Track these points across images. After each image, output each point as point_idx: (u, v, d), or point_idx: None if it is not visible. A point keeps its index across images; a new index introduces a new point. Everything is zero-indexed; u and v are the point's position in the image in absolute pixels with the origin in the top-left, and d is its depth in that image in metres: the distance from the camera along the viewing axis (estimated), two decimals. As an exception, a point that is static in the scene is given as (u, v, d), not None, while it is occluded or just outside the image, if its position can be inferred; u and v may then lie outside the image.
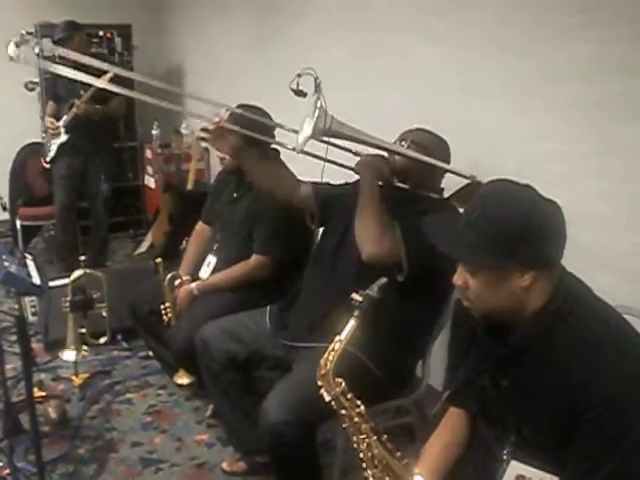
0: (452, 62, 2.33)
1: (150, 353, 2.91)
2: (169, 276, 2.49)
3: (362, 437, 1.23)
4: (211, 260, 2.54)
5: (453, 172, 1.84)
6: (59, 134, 3.74)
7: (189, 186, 4.07)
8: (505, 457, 1.20)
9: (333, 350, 1.26)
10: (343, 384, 1.26)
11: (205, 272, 2.52)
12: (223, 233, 2.54)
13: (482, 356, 1.25)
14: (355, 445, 1.24)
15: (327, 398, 1.25)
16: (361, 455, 1.23)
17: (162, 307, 2.48)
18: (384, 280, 1.30)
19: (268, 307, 2.11)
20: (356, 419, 1.24)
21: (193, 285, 2.45)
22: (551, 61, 1.94)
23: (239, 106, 2.37)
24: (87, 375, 2.80)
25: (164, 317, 2.48)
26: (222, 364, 2.01)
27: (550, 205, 1.14)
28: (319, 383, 1.26)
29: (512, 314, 1.17)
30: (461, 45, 2.29)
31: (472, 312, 1.20)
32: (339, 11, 2.98)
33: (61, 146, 3.78)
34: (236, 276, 2.39)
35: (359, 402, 1.26)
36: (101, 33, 4.57)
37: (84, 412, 2.57)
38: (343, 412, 1.24)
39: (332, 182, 2.07)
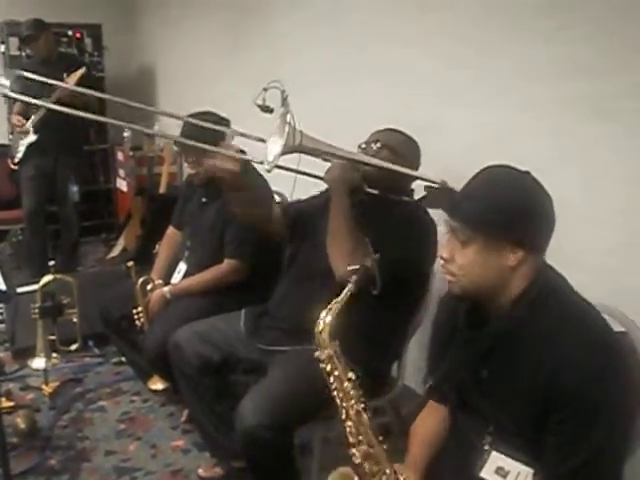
0: (426, 64, 2.34)
1: (123, 359, 2.86)
2: (141, 280, 2.45)
3: (351, 403, 1.23)
4: (182, 267, 2.50)
5: (423, 179, 1.79)
6: (27, 134, 3.64)
7: (162, 189, 4.02)
8: (486, 448, 1.21)
9: (330, 310, 1.27)
10: (338, 347, 1.27)
11: (176, 279, 2.49)
12: (193, 239, 2.51)
13: (462, 348, 1.25)
14: (344, 414, 1.24)
15: (321, 357, 1.26)
16: (349, 426, 1.23)
17: (134, 312, 2.44)
18: (377, 255, 1.38)
19: (243, 311, 2.08)
20: (346, 384, 1.24)
21: (166, 289, 2.41)
22: (524, 63, 1.96)
23: (190, 115, 2.34)
24: (58, 383, 2.73)
25: (136, 322, 2.44)
26: (196, 368, 1.97)
27: (547, 195, 1.17)
28: (315, 339, 1.28)
29: (493, 294, 1.18)
30: (435, 47, 2.31)
31: (453, 288, 1.20)
32: (312, 13, 2.97)
33: (29, 147, 3.67)
34: (208, 280, 2.36)
35: (350, 370, 1.27)
36: (70, 33, 4.48)
37: (55, 422, 2.50)
38: (336, 373, 1.25)
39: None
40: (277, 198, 2.67)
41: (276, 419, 1.62)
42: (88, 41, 4.61)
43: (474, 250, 1.15)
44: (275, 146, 1.56)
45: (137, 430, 2.49)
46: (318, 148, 1.69)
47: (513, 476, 1.18)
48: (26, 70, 3.79)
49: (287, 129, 1.56)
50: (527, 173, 1.18)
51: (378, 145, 1.86)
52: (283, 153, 1.56)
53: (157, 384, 2.64)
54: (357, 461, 1.22)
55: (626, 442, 1.14)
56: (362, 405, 1.23)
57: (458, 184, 1.89)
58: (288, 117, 1.57)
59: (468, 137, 2.19)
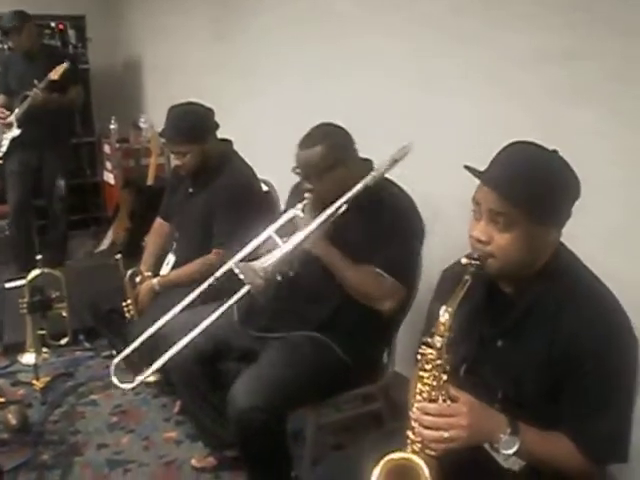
0: (408, 53, 2.34)
1: (114, 352, 2.84)
2: (129, 272, 2.44)
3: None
4: (170, 259, 2.49)
5: (386, 170, 1.72)
6: (11, 127, 3.58)
7: (149, 181, 3.99)
8: None
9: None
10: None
11: (165, 271, 2.47)
12: (181, 231, 2.50)
13: (475, 319, 1.24)
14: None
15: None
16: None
17: (124, 304, 2.42)
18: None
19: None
20: None
21: (154, 281, 2.40)
22: (505, 50, 1.96)
23: (175, 106, 2.32)
24: (48, 378, 2.70)
25: (126, 314, 2.42)
26: (188, 358, 1.96)
27: (574, 173, 1.18)
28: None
29: (526, 268, 1.19)
30: (416, 37, 2.30)
31: (488, 268, 1.17)
32: (297, 5, 2.95)
33: (13, 141, 3.62)
34: (197, 270, 2.34)
35: None
36: (53, 24, 4.41)
37: (46, 416, 2.48)
38: None
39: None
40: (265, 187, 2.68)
41: (268, 401, 1.62)
42: (71, 33, 4.54)
43: (518, 232, 1.14)
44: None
45: (129, 423, 2.48)
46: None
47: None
48: (8, 63, 3.77)
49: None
50: (555, 152, 1.19)
51: (297, 170, 1.81)
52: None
53: (149, 376, 2.63)
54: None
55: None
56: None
57: (443, 172, 1.90)
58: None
59: (451, 126, 2.18)
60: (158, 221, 2.68)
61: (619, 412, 1.14)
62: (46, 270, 2.63)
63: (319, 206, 1.73)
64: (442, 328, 1.13)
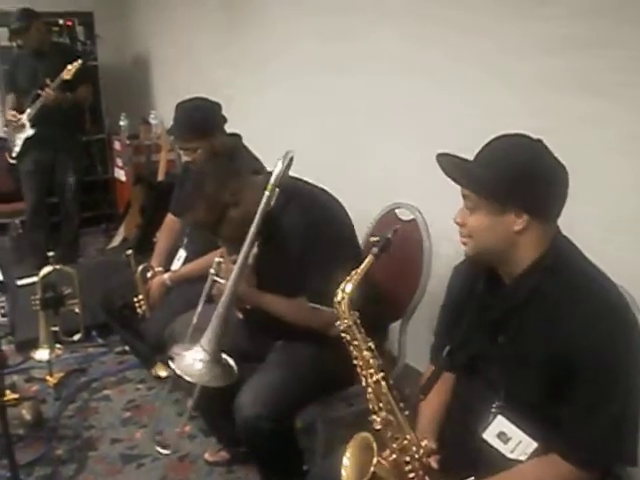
0: (409, 42, 2.34)
1: (126, 348, 2.86)
2: (141, 268, 2.45)
3: (371, 372, 1.24)
4: (182, 254, 2.49)
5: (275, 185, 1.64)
6: (23, 128, 3.61)
7: (160, 177, 4.00)
8: (493, 411, 1.23)
9: (350, 279, 1.27)
10: (357, 317, 1.26)
11: (176, 266, 2.48)
12: (192, 226, 2.49)
13: (479, 314, 1.26)
14: (364, 381, 1.25)
15: (341, 326, 1.26)
16: (369, 393, 1.24)
17: (135, 300, 2.44)
18: (398, 226, 1.36)
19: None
20: (365, 352, 1.25)
21: (165, 276, 2.41)
22: (504, 38, 1.95)
23: (182, 102, 2.31)
24: (62, 374, 2.73)
25: (138, 310, 2.44)
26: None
27: (558, 163, 1.18)
28: (335, 309, 1.27)
29: (504, 258, 1.21)
30: (416, 25, 2.29)
31: (466, 251, 1.25)
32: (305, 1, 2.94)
33: (27, 140, 3.64)
34: (208, 266, 2.33)
35: (369, 339, 1.26)
36: (61, 21, 4.42)
37: (60, 412, 2.50)
38: (355, 343, 1.26)
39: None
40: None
41: (274, 408, 1.62)
42: (80, 29, 4.55)
43: (481, 214, 1.19)
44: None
45: (142, 417, 2.49)
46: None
47: (514, 443, 1.19)
48: (17, 61, 3.79)
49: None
50: (539, 141, 1.19)
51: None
52: None
53: (161, 371, 2.64)
54: (377, 427, 1.22)
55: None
56: (382, 374, 1.24)
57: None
58: None
59: (450, 116, 2.18)
60: (169, 217, 2.67)
61: (619, 412, 1.10)
62: (58, 267, 2.64)
63: (236, 247, 1.67)
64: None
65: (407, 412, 1.24)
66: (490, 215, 1.18)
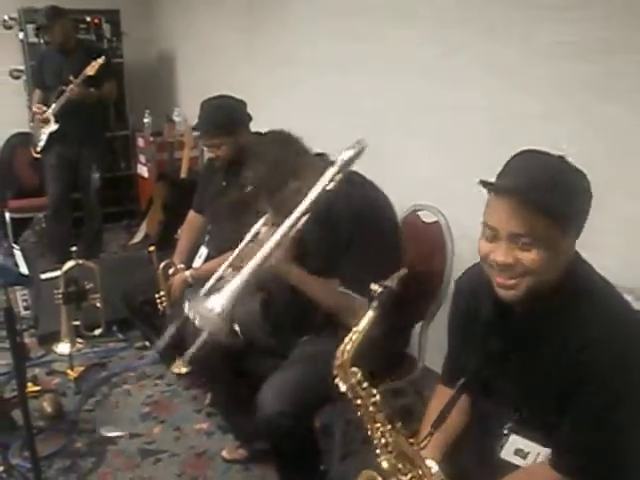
0: (433, 45, 2.33)
1: (147, 343, 2.87)
2: (163, 264, 2.46)
3: (377, 426, 1.20)
4: (203, 252, 2.50)
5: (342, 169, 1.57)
6: (48, 122, 3.65)
7: (183, 174, 4.02)
8: (505, 432, 1.21)
9: (350, 340, 1.17)
10: (359, 374, 1.19)
11: (198, 263, 2.49)
12: (214, 223, 2.50)
13: (488, 335, 1.22)
14: (370, 433, 1.22)
15: (343, 388, 1.19)
16: (375, 442, 1.21)
17: (157, 296, 2.45)
18: (404, 271, 1.23)
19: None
20: (371, 408, 1.20)
21: (187, 273, 2.41)
22: (531, 42, 1.93)
23: (207, 100, 2.31)
24: (82, 368, 2.75)
25: (159, 306, 2.45)
26: (217, 354, 1.96)
27: (582, 172, 1.12)
28: (335, 373, 1.19)
29: (546, 287, 1.11)
30: (442, 27, 2.28)
31: (515, 294, 1.11)
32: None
33: (51, 135, 3.69)
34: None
35: (374, 391, 1.21)
36: (88, 19, 4.46)
37: (80, 405, 2.53)
38: (359, 402, 1.20)
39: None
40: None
41: (296, 406, 1.61)
42: (106, 27, 4.59)
43: (542, 250, 1.06)
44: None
45: (161, 413, 2.51)
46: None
47: (533, 457, 1.18)
48: (44, 58, 3.84)
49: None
50: (562, 157, 1.12)
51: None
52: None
53: (180, 368, 2.64)
54: (385, 466, 1.19)
55: None
56: (389, 426, 1.19)
57: (464, 167, 1.86)
58: None
59: (471, 119, 2.17)
60: (191, 214, 2.69)
61: (623, 436, 1.07)
62: (81, 261, 2.67)
63: (282, 220, 1.62)
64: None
65: (421, 445, 1.22)
66: (551, 243, 1.07)
